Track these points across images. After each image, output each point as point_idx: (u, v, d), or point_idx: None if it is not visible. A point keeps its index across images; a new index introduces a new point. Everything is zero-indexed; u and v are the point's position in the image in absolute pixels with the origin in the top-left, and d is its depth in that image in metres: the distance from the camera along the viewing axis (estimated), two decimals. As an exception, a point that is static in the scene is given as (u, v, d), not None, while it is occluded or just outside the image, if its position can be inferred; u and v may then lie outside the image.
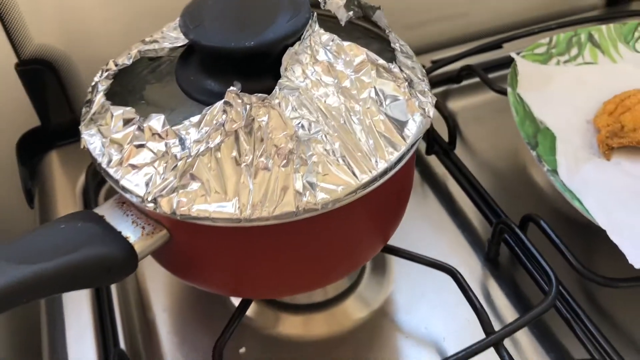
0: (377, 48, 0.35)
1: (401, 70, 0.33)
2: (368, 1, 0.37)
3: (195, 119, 0.29)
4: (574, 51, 0.52)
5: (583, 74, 0.51)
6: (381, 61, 0.32)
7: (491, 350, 0.35)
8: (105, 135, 0.31)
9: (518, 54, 0.51)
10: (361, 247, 0.35)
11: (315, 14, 0.32)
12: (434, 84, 0.55)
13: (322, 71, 0.31)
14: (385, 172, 0.30)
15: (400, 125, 0.31)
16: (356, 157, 0.29)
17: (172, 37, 0.35)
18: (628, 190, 0.41)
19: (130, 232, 0.31)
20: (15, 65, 0.48)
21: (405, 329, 0.41)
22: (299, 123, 0.29)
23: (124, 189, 0.30)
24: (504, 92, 0.49)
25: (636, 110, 0.45)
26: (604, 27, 0.54)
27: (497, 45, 0.59)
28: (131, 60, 0.34)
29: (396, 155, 0.30)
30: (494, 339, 0.35)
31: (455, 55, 0.58)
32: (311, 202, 0.28)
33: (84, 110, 0.33)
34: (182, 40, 0.34)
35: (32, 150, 0.52)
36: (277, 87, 0.30)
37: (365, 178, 0.29)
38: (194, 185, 0.28)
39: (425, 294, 0.42)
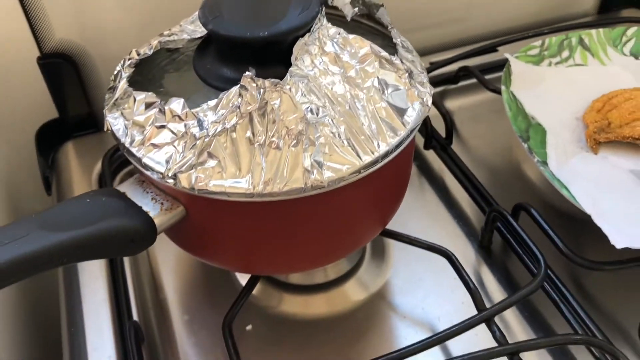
0: (380, 43, 0.38)
1: (402, 62, 0.35)
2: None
3: (212, 102, 0.32)
4: (565, 53, 0.55)
5: (573, 74, 0.54)
6: (384, 53, 0.35)
7: (484, 328, 0.38)
8: (127, 118, 0.34)
9: (512, 55, 0.54)
10: (363, 226, 0.37)
11: (323, 8, 0.35)
12: (432, 84, 0.57)
13: (329, 61, 0.34)
14: (386, 154, 0.32)
15: (401, 112, 0.34)
16: (360, 140, 0.32)
17: (189, 30, 0.38)
18: (612, 180, 0.44)
19: (150, 207, 0.33)
20: (37, 58, 0.51)
21: (403, 310, 0.43)
22: (308, 107, 0.32)
23: (145, 166, 0.32)
24: (499, 92, 0.52)
25: (622, 108, 0.48)
26: (594, 31, 0.57)
27: (492, 49, 0.62)
28: (152, 51, 0.37)
29: (397, 139, 0.33)
30: (485, 315, 0.37)
31: (453, 57, 0.61)
32: (318, 180, 0.31)
33: (107, 96, 0.36)
34: (199, 33, 0.37)
35: (50, 140, 0.55)
36: (288, 74, 0.32)
37: (368, 159, 0.32)
38: (211, 163, 0.31)
39: (422, 279, 0.44)
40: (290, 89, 0.32)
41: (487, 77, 0.58)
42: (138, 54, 0.36)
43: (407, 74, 0.35)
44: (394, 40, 0.37)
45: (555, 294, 0.41)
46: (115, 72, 0.36)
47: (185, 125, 0.32)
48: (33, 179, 0.55)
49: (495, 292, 0.44)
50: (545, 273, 0.39)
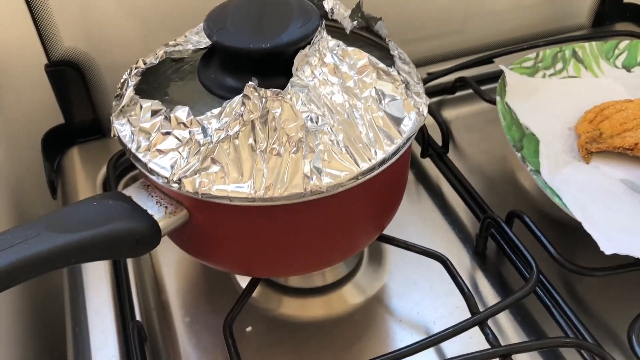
0: (378, 55, 0.39)
1: (399, 73, 0.37)
2: (370, 13, 0.41)
3: (216, 110, 0.33)
4: (559, 65, 0.57)
5: (567, 86, 0.55)
6: (381, 65, 0.36)
7: (477, 331, 0.39)
8: (134, 124, 0.35)
9: (507, 67, 0.55)
10: (360, 231, 0.39)
11: (323, 22, 0.36)
12: (429, 94, 0.59)
13: (329, 72, 0.35)
14: (383, 161, 0.34)
15: (397, 121, 0.35)
16: (357, 148, 0.33)
17: (194, 40, 0.39)
18: (603, 189, 0.45)
19: (155, 211, 0.34)
20: (45, 66, 0.52)
21: (399, 313, 0.44)
22: (308, 116, 0.33)
23: (151, 171, 0.33)
24: (494, 103, 0.53)
25: (614, 119, 0.49)
26: (587, 44, 0.58)
27: (488, 60, 0.64)
28: (158, 60, 0.38)
29: (393, 147, 0.34)
30: (479, 318, 0.39)
31: (449, 68, 0.62)
32: (317, 185, 0.32)
33: (114, 103, 0.37)
34: (203, 44, 0.39)
35: (56, 145, 0.56)
36: (289, 84, 0.33)
37: (365, 166, 0.33)
38: (215, 168, 0.32)
39: (417, 283, 0.46)
40: (291, 98, 0.33)
41: (483, 87, 0.59)
42: (144, 63, 0.38)
43: (403, 85, 0.36)
44: (391, 52, 0.39)
45: (547, 298, 0.42)
46: (122, 80, 0.38)
47: (189, 132, 0.33)
48: (39, 183, 0.56)
49: (489, 296, 0.45)
50: (537, 278, 0.41)
